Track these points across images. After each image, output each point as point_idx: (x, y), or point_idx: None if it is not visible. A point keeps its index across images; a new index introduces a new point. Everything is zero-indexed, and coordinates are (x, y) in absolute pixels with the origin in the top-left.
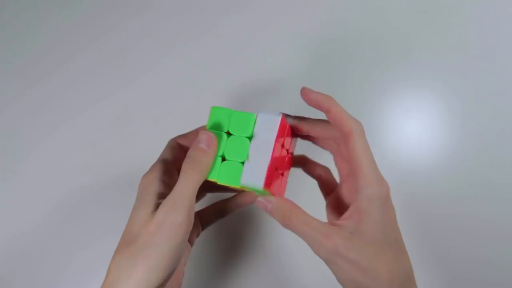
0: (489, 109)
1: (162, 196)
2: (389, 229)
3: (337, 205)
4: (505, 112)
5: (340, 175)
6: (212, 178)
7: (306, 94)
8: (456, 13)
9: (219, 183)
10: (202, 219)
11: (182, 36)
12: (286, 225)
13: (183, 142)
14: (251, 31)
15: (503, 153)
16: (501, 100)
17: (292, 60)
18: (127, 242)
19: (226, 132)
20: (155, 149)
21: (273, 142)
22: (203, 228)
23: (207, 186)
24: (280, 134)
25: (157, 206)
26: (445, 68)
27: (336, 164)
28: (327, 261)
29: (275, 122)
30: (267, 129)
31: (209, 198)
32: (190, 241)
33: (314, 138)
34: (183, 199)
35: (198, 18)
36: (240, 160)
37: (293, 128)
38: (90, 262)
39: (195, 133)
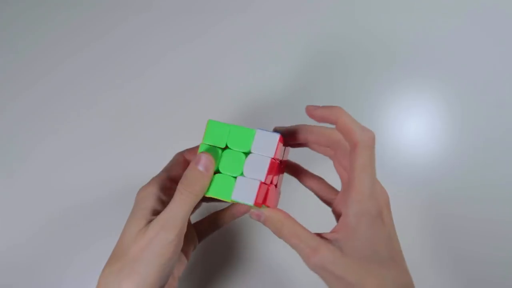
0: (489, 109)
1: (156, 212)
2: (380, 246)
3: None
4: (505, 112)
5: (342, 182)
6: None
7: (310, 111)
8: (456, 13)
9: (207, 195)
10: (199, 231)
11: (181, 38)
12: (279, 236)
13: (189, 157)
14: (252, 33)
15: (503, 153)
16: (501, 100)
17: (291, 61)
18: (117, 256)
19: (222, 148)
20: (155, 150)
21: (269, 161)
22: (199, 240)
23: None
24: (277, 153)
25: (149, 221)
26: (445, 68)
27: (336, 170)
28: (317, 273)
29: (273, 142)
30: (264, 147)
31: (205, 210)
32: (186, 254)
33: (310, 144)
34: (176, 218)
35: (198, 20)
36: (234, 175)
37: (287, 137)
38: (90, 263)
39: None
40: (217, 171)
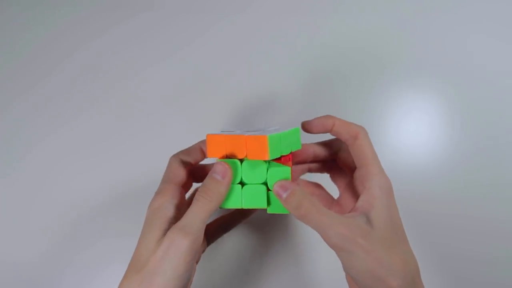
0: (488, 109)
1: (173, 220)
2: (396, 219)
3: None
4: (504, 112)
5: (339, 189)
6: (235, 206)
7: (308, 125)
8: (456, 13)
9: (244, 207)
10: (208, 235)
11: (181, 38)
12: (301, 215)
13: (185, 158)
14: (252, 34)
15: (502, 153)
16: (500, 100)
17: (291, 63)
18: (136, 268)
19: (239, 159)
20: (155, 151)
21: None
22: (208, 244)
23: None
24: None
25: (166, 231)
26: (445, 68)
27: (334, 181)
28: (341, 250)
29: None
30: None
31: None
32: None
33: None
34: (191, 225)
35: (198, 20)
36: (260, 182)
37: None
38: (90, 263)
39: (197, 148)
40: (242, 184)
